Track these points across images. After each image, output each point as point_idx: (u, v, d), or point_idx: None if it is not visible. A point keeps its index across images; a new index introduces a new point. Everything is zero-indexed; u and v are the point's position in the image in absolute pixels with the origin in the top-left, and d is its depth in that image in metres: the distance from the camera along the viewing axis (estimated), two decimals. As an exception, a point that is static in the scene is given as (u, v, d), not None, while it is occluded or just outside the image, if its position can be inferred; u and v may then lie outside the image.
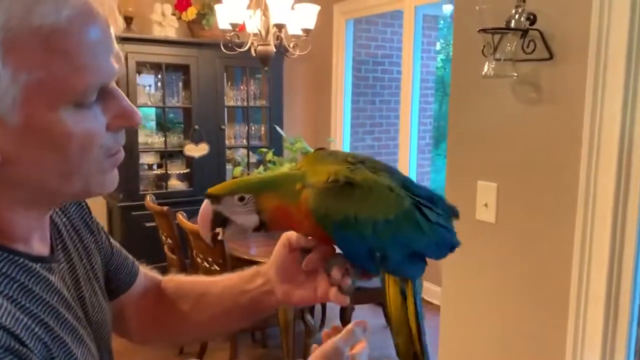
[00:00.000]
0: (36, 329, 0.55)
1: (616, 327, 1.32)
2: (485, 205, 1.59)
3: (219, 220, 0.71)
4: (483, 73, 1.45)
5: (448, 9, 4.91)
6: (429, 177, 5.41)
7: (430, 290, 3.63)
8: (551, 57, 1.39)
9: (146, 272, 0.91)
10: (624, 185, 1.27)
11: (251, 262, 2.57)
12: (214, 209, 0.70)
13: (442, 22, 6.04)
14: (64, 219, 0.74)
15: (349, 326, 0.74)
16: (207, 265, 2.62)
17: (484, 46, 1.50)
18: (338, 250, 0.75)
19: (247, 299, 0.83)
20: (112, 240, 0.85)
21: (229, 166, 4.25)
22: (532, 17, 1.41)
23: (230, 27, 2.83)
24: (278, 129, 3.10)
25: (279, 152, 3.55)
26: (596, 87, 1.29)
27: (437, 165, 7.14)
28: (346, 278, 0.73)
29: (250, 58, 3.09)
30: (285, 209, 0.71)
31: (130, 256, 0.89)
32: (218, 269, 2.56)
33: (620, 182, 1.27)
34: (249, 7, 2.84)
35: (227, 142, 4.29)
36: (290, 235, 0.78)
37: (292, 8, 2.81)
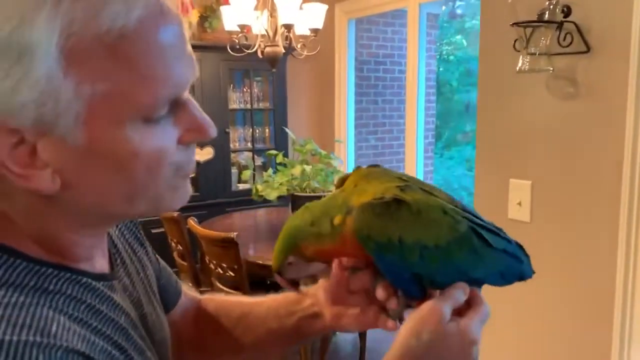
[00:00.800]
0: (112, 351, 0.51)
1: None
2: (519, 203, 1.55)
3: (293, 282, 0.73)
4: (517, 68, 1.42)
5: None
6: (432, 177, 5.38)
7: None
8: (588, 50, 1.35)
9: (186, 290, 0.85)
10: (670, 180, 1.24)
11: (266, 267, 2.53)
12: (283, 279, 0.72)
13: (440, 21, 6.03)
14: (117, 232, 0.69)
15: (456, 284, 0.64)
16: (221, 271, 2.57)
17: (516, 40, 1.46)
18: None
19: (293, 320, 0.77)
20: (157, 255, 0.80)
21: (234, 170, 4.19)
22: (566, 9, 1.38)
23: (237, 29, 2.78)
24: (288, 130, 3.06)
25: (285, 154, 3.50)
26: (639, 81, 1.25)
27: (435, 164, 7.14)
28: (393, 300, 0.66)
29: (253, 60, 3.04)
30: (325, 250, 0.67)
31: (173, 274, 0.83)
32: (232, 274, 2.51)
33: (667, 177, 1.24)
34: (256, 8, 2.80)
35: (231, 145, 4.24)
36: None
37: (301, 8, 2.76)
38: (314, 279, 0.76)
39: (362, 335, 2.88)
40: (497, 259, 0.66)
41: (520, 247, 0.72)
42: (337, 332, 3.11)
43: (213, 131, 0.55)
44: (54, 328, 0.45)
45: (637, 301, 1.30)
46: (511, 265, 0.68)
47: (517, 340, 1.62)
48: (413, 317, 0.61)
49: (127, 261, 0.67)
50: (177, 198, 0.55)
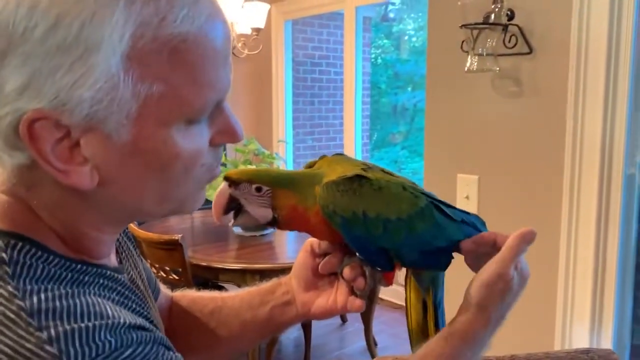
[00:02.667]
0: (149, 325, 0.51)
1: (602, 321, 1.38)
2: (467, 197, 1.62)
3: (233, 205, 0.68)
4: (466, 67, 1.48)
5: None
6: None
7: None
8: (531, 52, 1.44)
9: (162, 288, 0.85)
10: (607, 176, 1.34)
11: (210, 268, 2.49)
12: (230, 193, 0.67)
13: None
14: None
15: (510, 241, 0.67)
16: (164, 275, 2.50)
17: (464, 41, 1.53)
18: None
19: (266, 310, 0.78)
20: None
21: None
22: (510, 12, 1.46)
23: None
24: (230, 130, 3.03)
25: (224, 154, 3.46)
26: (578, 80, 1.34)
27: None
28: (360, 279, 0.70)
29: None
30: (300, 210, 0.68)
31: (152, 273, 0.82)
32: (177, 277, 2.45)
33: (604, 173, 1.34)
34: (196, 5, 2.75)
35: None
36: (313, 241, 0.74)
37: (242, 7, 2.74)
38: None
39: (307, 335, 2.90)
40: (457, 228, 0.71)
41: (478, 218, 0.76)
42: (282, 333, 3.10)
43: (242, 133, 0.56)
44: (108, 310, 0.46)
45: (578, 290, 1.40)
46: (471, 233, 0.72)
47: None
48: (478, 287, 0.65)
49: (127, 258, 0.67)
50: (199, 199, 0.56)
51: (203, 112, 0.50)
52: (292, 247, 2.97)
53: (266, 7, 2.83)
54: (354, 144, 4.10)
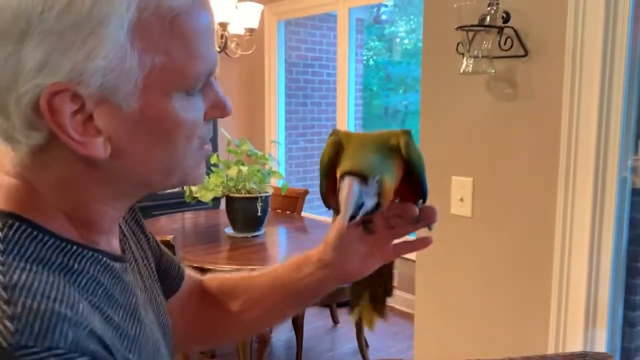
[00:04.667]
0: (117, 344, 0.51)
1: (596, 324, 1.39)
2: (461, 199, 1.62)
3: (360, 205, 0.64)
4: (462, 70, 1.48)
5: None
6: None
7: (399, 297, 3.66)
8: (526, 54, 1.44)
9: (189, 272, 0.87)
10: (601, 179, 1.34)
11: (203, 270, 2.47)
12: (360, 191, 0.64)
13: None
14: (122, 220, 0.71)
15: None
16: (155, 276, 2.48)
17: (459, 43, 1.53)
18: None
19: (299, 287, 0.79)
20: (158, 241, 0.81)
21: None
22: (505, 14, 1.46)
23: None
24: (223, 131, 3.01)
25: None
26: (573, 83, 1.35)
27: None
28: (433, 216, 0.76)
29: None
30: (392, 187, 0.69)
31: (175, 258, 0.83)
32: (168, 279, 2.43)
33: (598, 176, 1.34)
34: (189, 4, 2.73)
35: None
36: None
37: (236, 7, 2.73)
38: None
39: (299, 336, 2.88)
40: None
41: None
42: (273, 333, 3.09)
43: (230, 108, 0.60)
44: (81, 307, 0.47)
45: (572, 293, 1.40)
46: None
47: (456, 333, 1.69)
48: None
49: (132, 246, 0.69)
50: (199, 174, 0.60)
51: (198, 82, 0.54)
52: (284, 249, 2.96)
53: (259, 7, 2.82)
54: (346, 146, 4.10)
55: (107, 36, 0.47)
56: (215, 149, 4.01)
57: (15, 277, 0.45)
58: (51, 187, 0.53)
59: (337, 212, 0.73)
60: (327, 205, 0.78)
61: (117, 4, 0.47)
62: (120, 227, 0.67)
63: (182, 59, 0.51)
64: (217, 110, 0.59)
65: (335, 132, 0.75)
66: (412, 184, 0.74)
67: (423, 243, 0.77)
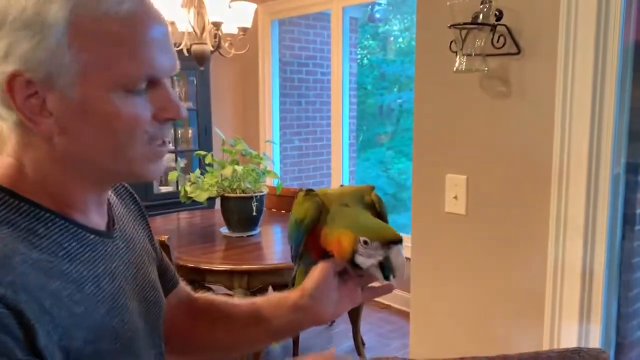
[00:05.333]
0: (64, 293, 0.60)
1: (590, 320, 1.39)
2: (455, 197, 1.63)
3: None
4: (455, 68, 1.48)
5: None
6: (354, 177, 5.49)
7: (395, 295, 3.67)
8: (519, 52, 1.44)
9: (183, 285, 0.96)
10: (594, 176, 1.35)
11: (197, 270, 2.47)
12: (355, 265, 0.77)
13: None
14: (125, 210, 0.83)
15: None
16: (150, 276, 2.48)
17: (452, 41, 1.53)
18: None
19: (276, 325, 0.85)
20: (158, 245, 0.90)
21: (155, 172, 4.05)
22: (498, 12, 1.46)
23: (163, 25, 2.69)
24: (218, 131, 3.00)
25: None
26: (566, 80, 1.35)
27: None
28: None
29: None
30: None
31: (171, 265, 0.92)
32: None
33: (592, 173, 1.34)
34: (183, 5, 2.73)
35: (152, 147, 4.10)
36: (332, 261, 0.82)
37: (229, 7, 2.73)
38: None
39: (295, 340, 2.89)
40: None
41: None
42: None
43: (181, 111, 0.67)
44: (16, 259, 0.57)
45: (566, 289, 1.41)
46: None
47: (452, 331, 1.69)
48: None
49: (131, 232, 0.79)
50: (151, 169, 0.68)
51: (135, 81, 0.62)
52: (279, 248, 2.96)
53: (253, 6, 2.82)
54: (341, 145, 4.10)
55: (49, 35, 0.58)
56: (209, 148, 4.01)
57: None
58: (32, 165, 0.64)
59: (314, 262, 0.81)
60: (300, 257, 0.86)
61: (56, 10, 0.58)
62: (120, 214, 0.79)
63: (119, 60, 0.61)
64: (167, 112, 0.66)
65: (314, 194, 0.82)
66: None
67: (387, 289, 0.84)
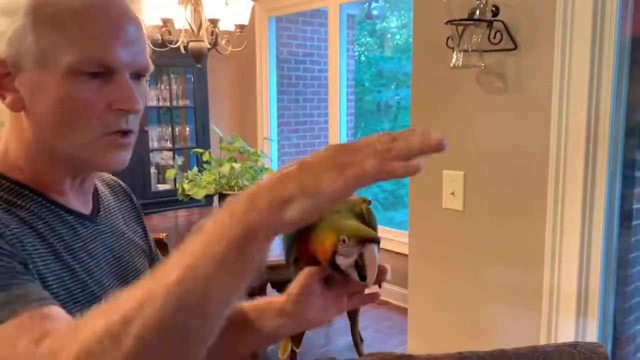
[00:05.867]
0: (42, 250, 0.66)
1: (587, 314, 1.40)
2: (452, 193, 1.63)
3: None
4: (452, 64, 1.49)
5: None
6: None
7: (393, 291, 3.69)
8: (515, 48, 1.44)
9: None
10: (591, 172, 1.35)
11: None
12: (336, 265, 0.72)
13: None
14: (116, 204, 0.87)
15: None
16: (148, 274, 2.48)
17: (449, 37, 1.53)
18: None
19: (261, 329, 0.84)
20: (153, 242, 0.93)
21: (153, 170, 4.05)
22: (494, 8, 1.47)
23: (160, 23, 2.68)
24: (215, 129, 3.00)
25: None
26: (562, 75, 1.35)
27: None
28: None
29: (170, 56, 2.95)
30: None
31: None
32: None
33: (588, 169, 1.35)
34: (180, 2, 2.72)
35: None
36: (318, 267, 0.80)
37: (226, 4, 2.72)
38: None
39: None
40: None
41: None
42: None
43: (135, 103, 0.70)
44: (10, 221, 0.65)
45: (563, 284, 1.41)
46: None
47: (450, 326, 1.70)
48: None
49: (118, 224, 0.84)
50: (106, 158, 0.72)
51: (85, 64, 0.67)
52: (277, 244, 2.95)
53: (250, 4, 2.81)
54: (339, 142, 4.10)
55: (15, 20, 0.66)
56: (207, 146, 4.00)
57: None
58: (13, 146, 0.72)
59: (300, 267, 0.79)
60: (293, 262, 0.84)
61: (22, 2, 0.66)
62: (111, 206, 0.85)
63: (69, 45, 0.66)
64: (121, 103, 0.69)
65: None
66: None
67: (372, 297, 0.82)
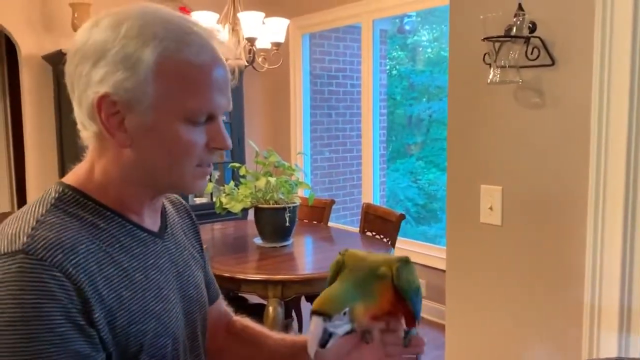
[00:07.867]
0: (115, 278, 0.73)
1: (630, 329, 1.38)
2: (490, 208, 1.64)
3: (327, 336, 0.74)
4: (489, 79, 1.50)
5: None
6: (385, 188, 5.50)
7: (429, 307, 3.66)
8: (553, 63, 1.45)
9: (224, 302, 1.08)
10: (632, 187, 1.34)
11: (232, 279, 2.51)
12: (324, 327, 0.73)
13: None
14: (179, 220, 0.96)
15: None
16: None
17: (486, 54, 1.55)
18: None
19: None
20: (207, 257, 1.02)
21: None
22: (531, 25, 1.48)
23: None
24: (252, 143, 3.06)
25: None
26: (602, 90, 1.36)
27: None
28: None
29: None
30: (371, 310, 0.77)
31: (214, 278, 1.05)
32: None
33: (629, 183, 1.34)
34: (218, 21, 2.81)
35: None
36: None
37: (263, 23, 2.79)
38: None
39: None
40: None
41: None
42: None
43: (228, 143, 0.80)
44: (82, 247, 0.70)
45: (605, 299, 1.40)
46: None
47: (488, 342, 1.69)
48: None
49: (182, 239, 0.92)
50: (196, 185, 0.80)
51: (197, 115, 0.75)
52: (311, 259, 2.99)
53: (286, 22, 2.88)
54: (371, 156, 4.12)
55: (139, 70, 0.72)
56: (243, 160, 4.08)
57: (49, 219, 0.71)
58: (101, 170, 0.78)
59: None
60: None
61: (148, 52, 0.72)
62: (174, 221, 0.93)
63: (187, 96, 0.74)
64: (217, 143, 0.78)
65: (343, 253, 0.85)
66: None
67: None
